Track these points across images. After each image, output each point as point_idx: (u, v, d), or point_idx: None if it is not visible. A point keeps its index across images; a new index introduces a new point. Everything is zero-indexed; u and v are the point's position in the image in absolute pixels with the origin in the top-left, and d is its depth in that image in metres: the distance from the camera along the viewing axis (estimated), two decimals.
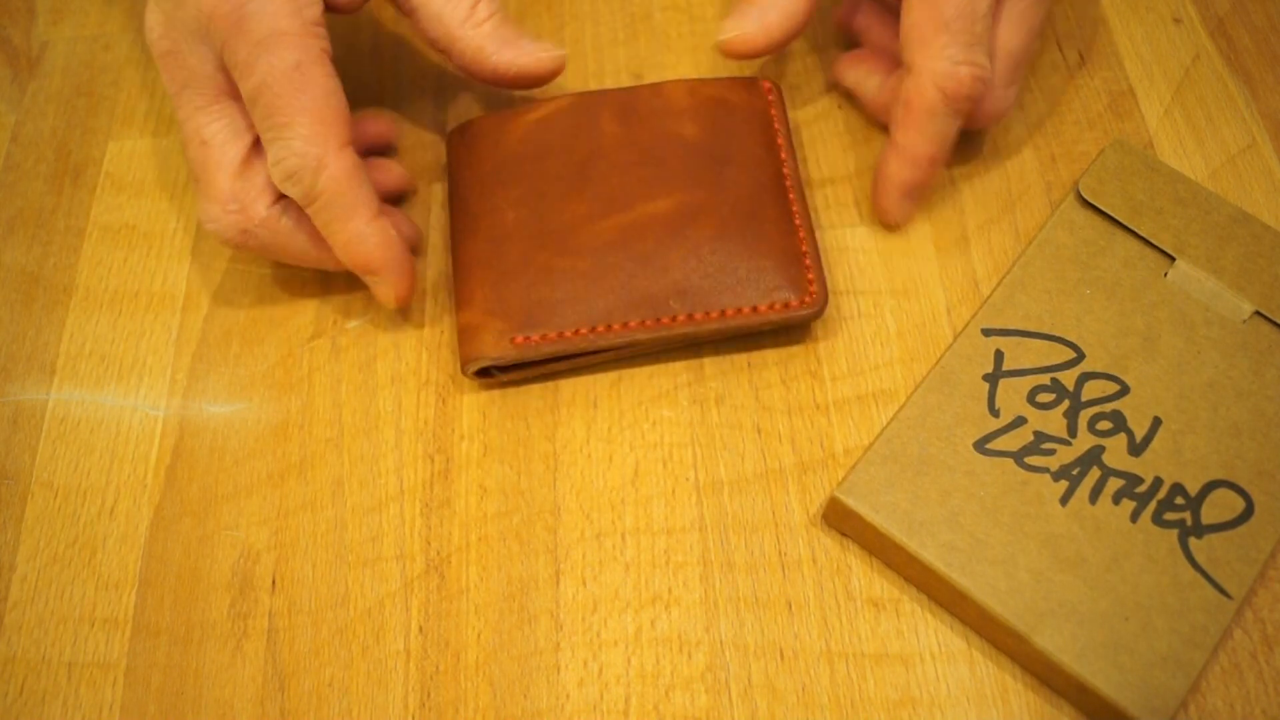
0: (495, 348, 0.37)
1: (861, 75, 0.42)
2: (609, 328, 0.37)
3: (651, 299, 0.37)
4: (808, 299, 0.37)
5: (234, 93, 0.36)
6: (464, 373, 0.38)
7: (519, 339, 0.37)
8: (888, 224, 0.41)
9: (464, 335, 0.38)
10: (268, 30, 0.34)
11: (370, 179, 0.39)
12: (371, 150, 0.43)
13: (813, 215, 0.41)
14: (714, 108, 0.40)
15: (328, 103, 0.35)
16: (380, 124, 0.43)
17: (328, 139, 0.35)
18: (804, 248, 0.38)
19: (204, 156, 0.36)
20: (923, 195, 0.41)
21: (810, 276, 0.38)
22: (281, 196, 0.37)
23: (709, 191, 0.39)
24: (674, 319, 0.37)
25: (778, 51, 0.41)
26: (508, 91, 0.45)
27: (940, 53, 0.36)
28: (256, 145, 0.37)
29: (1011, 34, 0.38)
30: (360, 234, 0.36)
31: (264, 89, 0.34)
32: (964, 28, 0.36)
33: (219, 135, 0.36)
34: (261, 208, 0.36)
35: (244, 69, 0.34)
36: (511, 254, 0.38)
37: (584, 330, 0.37)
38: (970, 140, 0.43)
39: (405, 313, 0.40)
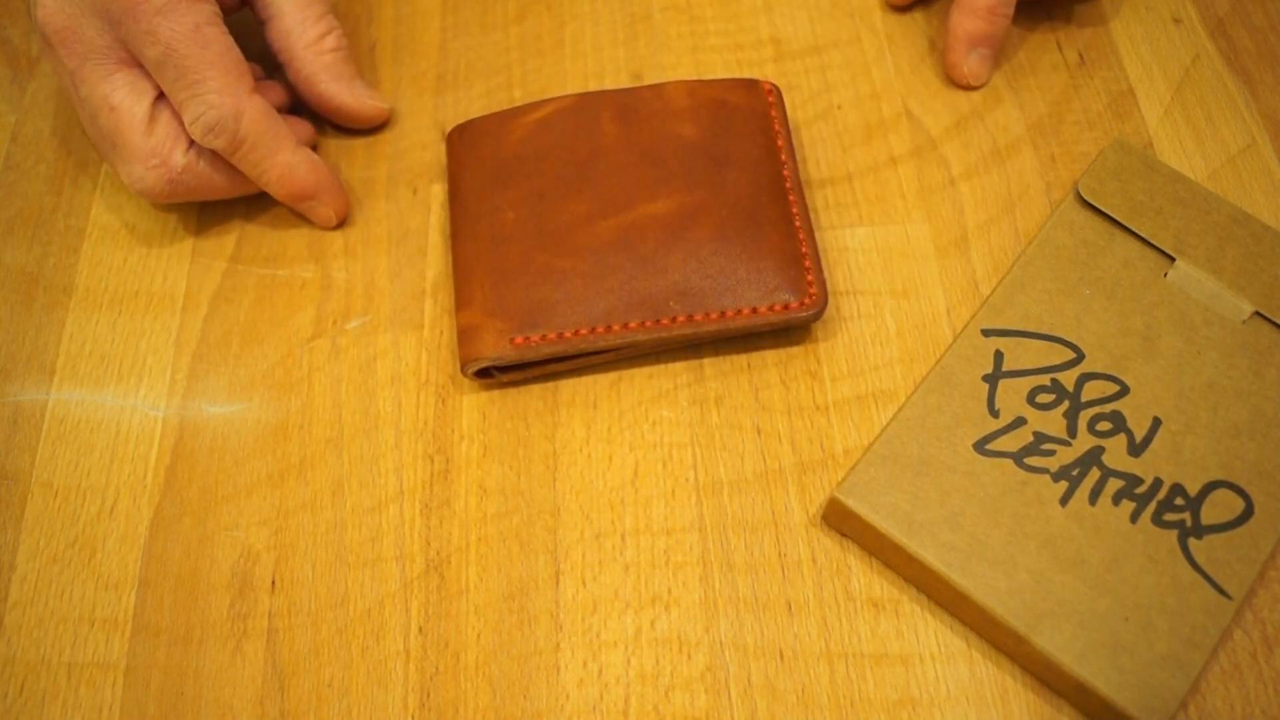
0: (495, 348, 0.37)
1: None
2: (609, 328, 0.37)
3: (651, 300, 0.37)
4: (807, 301, 0.37)
5: (131, 61, 0.38)
6: (464, 373, 0.38)
7: (519, 339, 0.37)
8: (962, 82, 0.43)
9: (464, 336, 0.38)
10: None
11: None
12: None
13: (812, 216, 0.41)
14: (714, 109, 0.40)
15: (230, 56, 0.38)
16: (300, 127, 0.43)
17: (238, 88, 0.38)
18: (804, 249, 0.38)
19: (114, 121, 0.38)
20: (994, 52, 0.43)
21: (810, 278, 0.38)
22: (194, 142, 0.39)
23: (709, 192, 0.39)
24: (674, 320, 0.37)
25: None
26: (507, 92, 0.45)
27: None
28: (158, 101, 0.39)
29: None
30: (289, 164, 0.39)
31: (170, 53, 0.37)
32: None
33: (126, 99, 0.38)
34: (179, 156, 0.39)
35: (147, 37, 0.37)
36: (511, 254, 0.38)
37: (584, 331, 0.37)
38: (970, 140, 0.43)
39: (405, 313, 0.40)
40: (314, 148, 0.43)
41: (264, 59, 0.43)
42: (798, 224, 0.39)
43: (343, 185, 0.41)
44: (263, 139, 0.38)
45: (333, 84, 0.42)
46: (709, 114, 0.40)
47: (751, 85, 0.41)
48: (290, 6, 0.41)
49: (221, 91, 0.37)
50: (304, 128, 0.43)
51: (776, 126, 0.40)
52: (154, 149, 0.38)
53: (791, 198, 0.39)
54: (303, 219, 0.42)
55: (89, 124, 0.39)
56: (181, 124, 0.39)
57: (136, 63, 0.38)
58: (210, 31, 0.37)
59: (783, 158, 0.40)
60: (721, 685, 0.34)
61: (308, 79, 0.42)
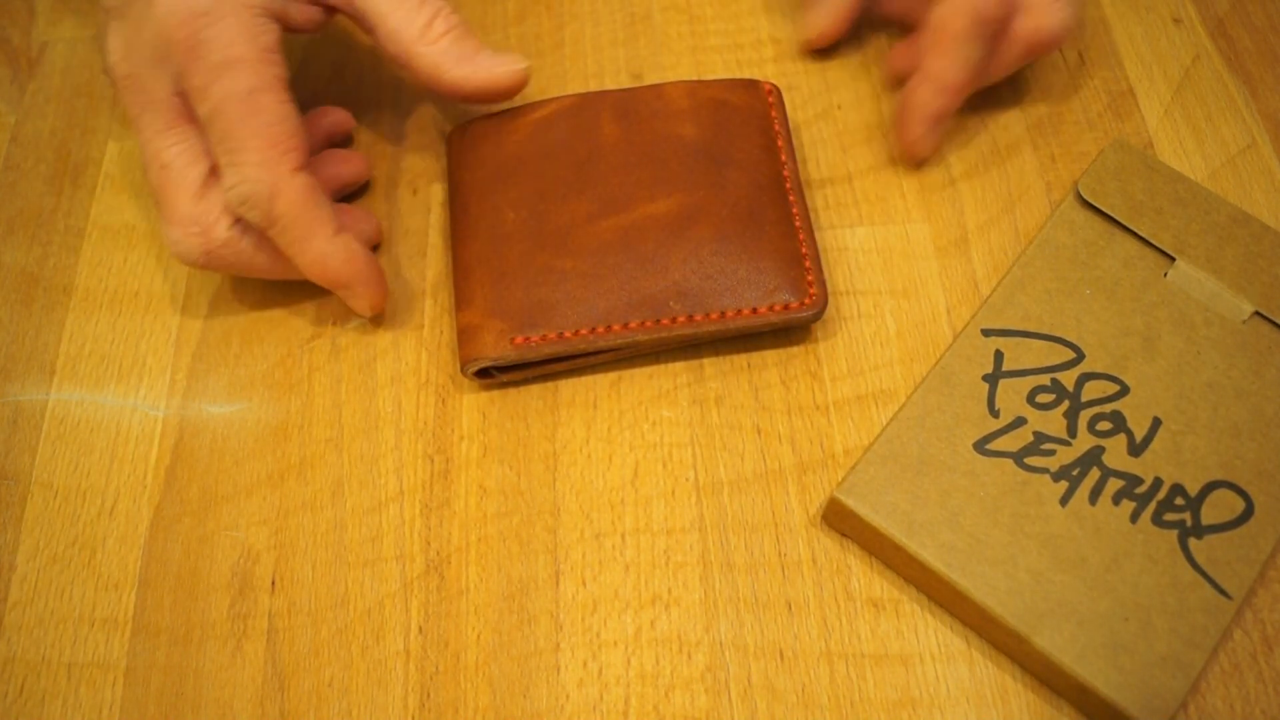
0: (495, 348, 0.37)
1: (908, 65, 0.42)
2: (609, 328, 0.37)
3: (651, 300, 0.37)
4: (808, 301, 0.37)
5: (192, 117, 0.36)
6: (464, 373, 0.38)
7: (519, 339, 0.37)
8: (915, 156, 0.42)
9: (464, 336, 0.38)
10: (223, 56, 0.34)
11: (331, 174, 0.40)
12: (330, 142, 0.43)
13: (812, 215, 0.41)
14: (714, 109, 0.40)
15: (281, 128, 0.35)
16: (336, 114, 0.43)
17: (279, 164, 0.35)
18: (804, 249, 0.38)
19: (164, 180, 0.36)
20: (945, 126, 0.42)
21: (810, 278, 0.38)
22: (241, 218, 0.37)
23: (709, 193, 0.39)
24: (674, 320, 0.37)
25: (848, 29, 0.44)
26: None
27: None
28: (216, 168, 0.36)
29: None
30: (323, 253, 0.36)
31: (218, 114, 0.34)
32: None
33: (178, 159, 0.36)
34: (222, 229, 0.36)
35: (200, 93, 0.35)
36: (511, 255, 0.38)
37: (584, 331, 0.37)
38: (970, 140, 0.43)
39: (405, 313, 0.40)
40: (377, 245, 0.42)
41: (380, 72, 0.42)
42: (798, 224, 0.39)
43: (381, 276, 0.38)
44: (296, 223, 0.35)
45: (457, 68, 0.38)
46: (709, 114, 0.40)
47: (752, 85, 0.41)
48: (388, 6, 0.38)
49: (261, 165, 0.35)
50: (368, 222, 0.41)
51: (776, 127, 0.40)
52: (198, 216, 0.36)
53: (791, 198, 0.39)
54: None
55: (146, 175, 0.37)
56: None
57: (194, 121, 0.36)
58: (265, 99, 0.35)
59: (783, 158, 0.40)
60: (721, 685, 0.34)
61: (431, 73, 0.39)
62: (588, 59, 0.46)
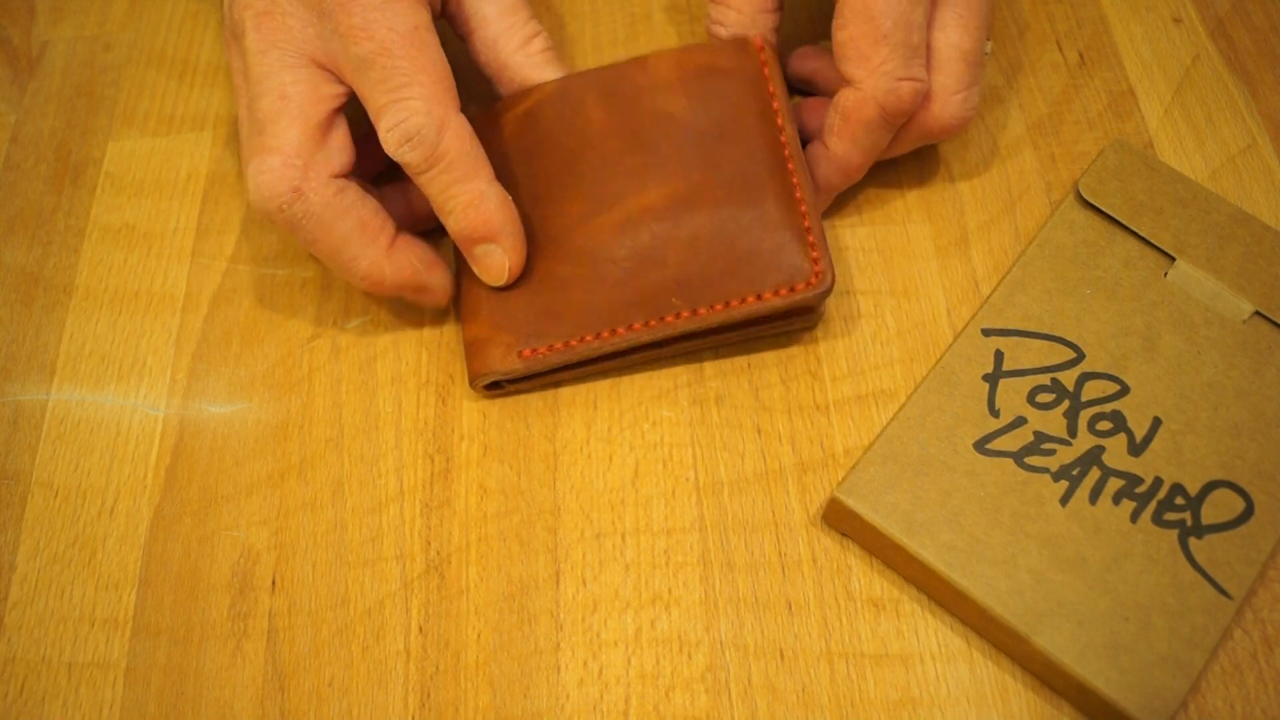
0: (503, 362, 0.37)
1: (818, 125, 0.40)
2: (613, 332, 0.36)
3: (652, 297, 0.36)
4: (814, 279, 0.36)
5: (322, 64, 0.36)
6: (473, 387, 0.37)
7: (526, 352, 0.37)
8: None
9: (471, 350, 0.37)
10: None
11: (411, 200, 0.40)
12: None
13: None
14: (703, 77, 0.39)
15: (443, 66, 0.35)
16: None
17: (447, 100, 0.35)
18: (807, 223, 0.36)
19: (280, 110, 0.35)
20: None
21: (815, 254, 0.36)
22: (345, 175, 0.36)
23: (703, 173, 0.37)
24: (677, 315, 0.36)
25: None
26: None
27: (879, 68, 0.36)
28: (336, 115, 0.36)
29: (960, 35, 0.37)
30: (483, 193, 0.36)
31: (382, 52, 0.34)
32: (902, 40, 0.36)
33: (304, 94, 0.35)
34: (325, 173, 0.35)
35: (360, 32, 0.34)
36: None
37: (589, 337, 0.37)
38: (970, 140, 0.43)
39: (406, 313, 0.40)
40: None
41: (466, 80, 0.42)
42: (799, 195, 0.37)
43: (524, 242, 0.37)
44: (463, 158, 0.35)
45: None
46: (698, 84, 0.39)
47: (741, 46, 0.39)
48: (495, 12, 0.39)
49: (430, 99, 0.34)
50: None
51: (771, 88, 0.38)
52: (305, 151, 0.35)
53: (791, 165, 0.37)
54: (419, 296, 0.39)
55: (247, 110, 0.36)
56: (347, 151, 0.36)
57: (327, 68, 0.36)
58: (428, 36, 0.35)
59: (779, 122, 0.38)
60: (722, 685, 0.34)
61: (524, 84, 0.40)
62: (588, 59, 0.46)
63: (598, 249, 0.37)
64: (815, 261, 0.36)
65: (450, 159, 0.35)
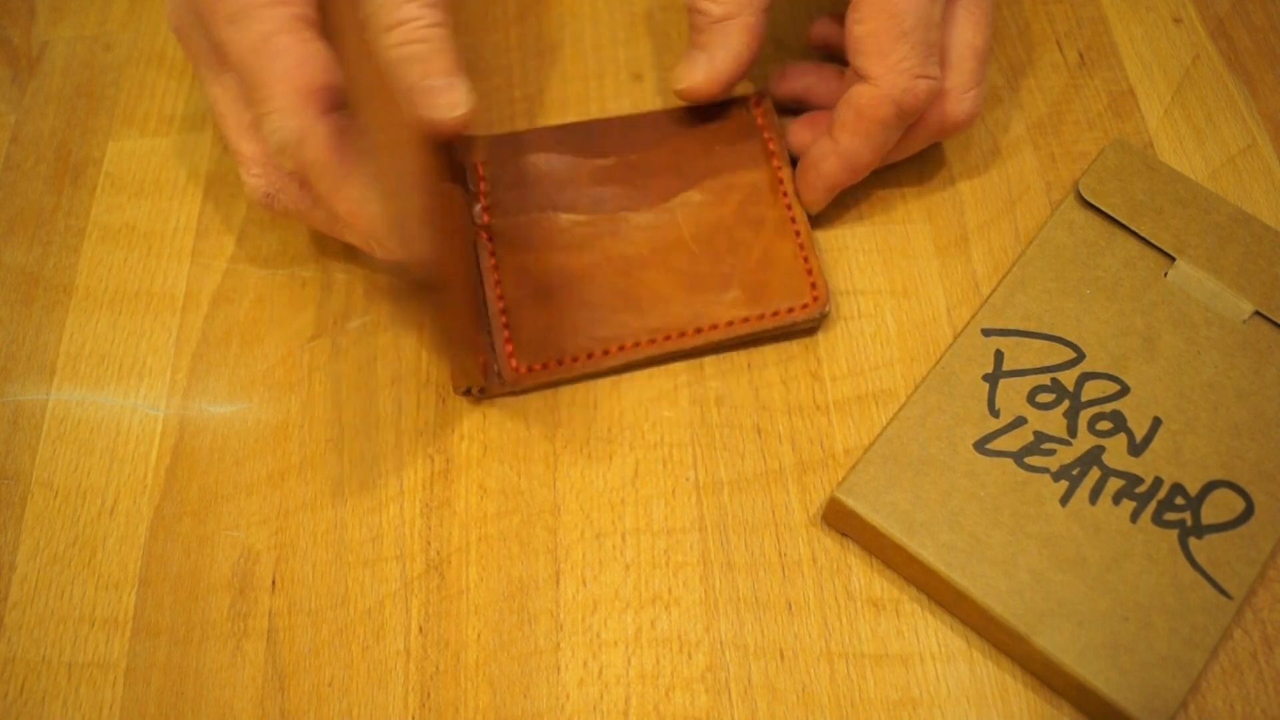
0: (507, 372, 0.38)
1: (811, 140, 0.40)
2: (605, 352, 0.37)
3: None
4: (810, 304, 0.37)
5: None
6: (455, 392, 0.38)
7: (521, 366, 0.37)
8: (811, 211, 0.40)
9: (457, 353, 0.37)
10: (237, 5, 0.33)
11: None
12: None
13: (810, 215, 0.41)
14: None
15: (302, 70, 0.33)
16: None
17: (304, 108, 0.33)
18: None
19: (223, 126, 0.37)
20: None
21: (813, 280, 0.38)
22: None
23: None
24: (681, 334, 0.37)
25: (730, 89, 0.40)
26: (507, 92, 0.45)
27: (898, 64, 0.36)
28: None
29: (973, 32, 0.37)
30: (353, 202, 0.34)
31: (240, 65, 0.33)
32: (921, 37, 0.36)
33: (229, 105, 0.36)
34: (279, 172, 0.36)
35: (222, 48, 0.34)
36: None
37: (582, 356, 0.37)
38: (970, 140, 0.43)
39: (405, 313, 0.40)
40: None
41: None
42: (796, 228, 0.39)
43: (417, 231, 0.35)
44: (329, 169, 0.33)
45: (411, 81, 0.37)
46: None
47: (740, 105, 0.41)
48: None
49: (285, 112, 0.33)
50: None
51: (767, 135, 0.40)
52: (258, 156, 0.36)
53: (787, 200, 0.39)
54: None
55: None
56: None
57: None
58: (283, 41, 0.33)
59: (775, 163, 0.40)
60: (722, 685, 0.34)
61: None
62: (588, 59, 0.46)
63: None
64: (812, 286, 0.38)
65: (317, 170, 0.33)
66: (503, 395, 0.38)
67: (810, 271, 0.38)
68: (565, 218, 0.39)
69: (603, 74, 0.45)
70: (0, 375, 0.40)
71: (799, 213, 0.39)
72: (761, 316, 0.37)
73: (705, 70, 0.39)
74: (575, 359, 0.37)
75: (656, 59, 0.45)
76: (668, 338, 0.37)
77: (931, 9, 0.36)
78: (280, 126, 0.33)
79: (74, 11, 0.48)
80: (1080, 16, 0.46)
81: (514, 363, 0.37)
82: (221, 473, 0.38)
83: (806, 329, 0.39)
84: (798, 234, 0.39)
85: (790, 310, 0.37)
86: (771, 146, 0.40)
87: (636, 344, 0.38)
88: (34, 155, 0.44)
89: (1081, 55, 0.45)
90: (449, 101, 0.34)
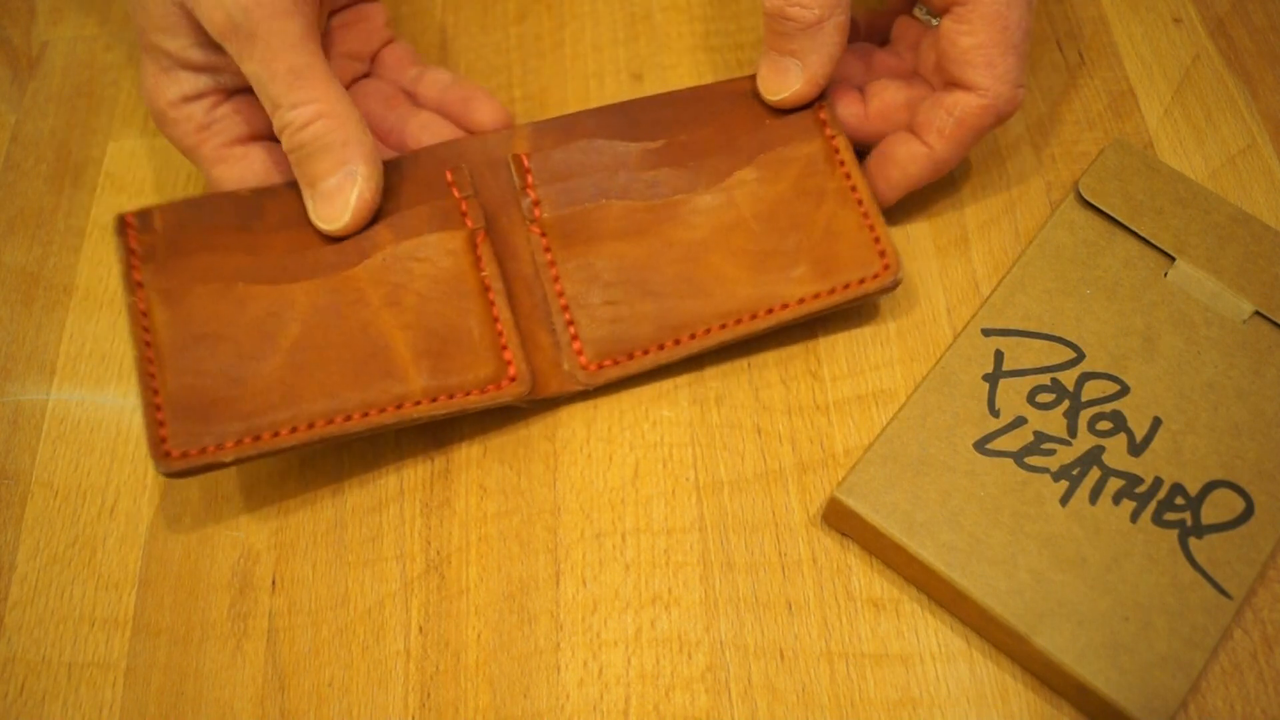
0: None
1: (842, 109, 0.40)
2: (676, 342, 0.37)
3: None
4: (881, 273, 0.37)
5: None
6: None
7: (592, 366, 0.37)
8: (883, 206, 0.40)
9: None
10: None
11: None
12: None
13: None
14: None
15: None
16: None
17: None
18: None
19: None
20: None
21: (881, 249, 0.37)
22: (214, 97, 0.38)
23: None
24: (753, 316, 0.37)
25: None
26: (508, 92, 0.45)
27: (1005, 76, 0.36)
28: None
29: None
30: (294, 67, 0.35)
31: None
32: (1026, 50, 0.37)
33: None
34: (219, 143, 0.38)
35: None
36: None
37: (652, 349, 0.37)
38: None
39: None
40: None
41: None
42: (858, 196, 0.38)
43: (371, 140, 0.36)
44: (272, 38, 0.34)
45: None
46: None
47: (809, 120, 0.39)
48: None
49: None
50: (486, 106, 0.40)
51: (816, 103, 0.39)
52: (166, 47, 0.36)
53: (845, 170, 0.38)
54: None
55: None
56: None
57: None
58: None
59: (829, 131, 0.39)
60: (722, 685, 0.34)
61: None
62: (588, 59, 0.46)
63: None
64: (882, 255, 0.37)
65: (257, 32, 0.34)
66: (574, 398, 0.38)
67: (878, 240, 0.37)
68: (619, 205, 0.38)
69: (603, 74, 0.45)
70: (0, 375, 0.40)
71: (859, 180, 0.38)
72: (833, 291, 0.36)
73: (802, 77, 0.38)
74: (646, 351, 0.37)
75: (656, 59, 0.46)
76: (739, 321, 0.37)
77: (1032, 20, 0.37)
78: None
79: (74, 11, 0.48)
80: (1080, 16, 0.46)
81: (583, 360, 0.36)
82: (222, 472, 0.38)
83: (879, 298, 0.38)
84: (860, 203, 0.37)
85: (862, 281, 0.36)
86: (823, 115, 0.39)
87: (708, 330, 0.37)
88: (34, 155, 0.44)
89: (1081, 55, 0.45)
90: (326, 214, 0.36)
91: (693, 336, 0.37)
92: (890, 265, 0.37)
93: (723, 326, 0.37)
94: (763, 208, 0.38)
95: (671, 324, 0.37)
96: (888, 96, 0.39)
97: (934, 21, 0.40)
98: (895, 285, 0.37)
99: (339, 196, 0.36)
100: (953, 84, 0.37)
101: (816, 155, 0.38)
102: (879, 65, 0.41)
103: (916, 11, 0.41)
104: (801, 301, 0.37)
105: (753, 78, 0.40)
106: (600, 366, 0.37)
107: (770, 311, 0.37)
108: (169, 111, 0.37)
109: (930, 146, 0.38)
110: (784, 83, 0.38)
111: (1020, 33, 0.36)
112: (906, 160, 0.38)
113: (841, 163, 0.38)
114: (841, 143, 0.38)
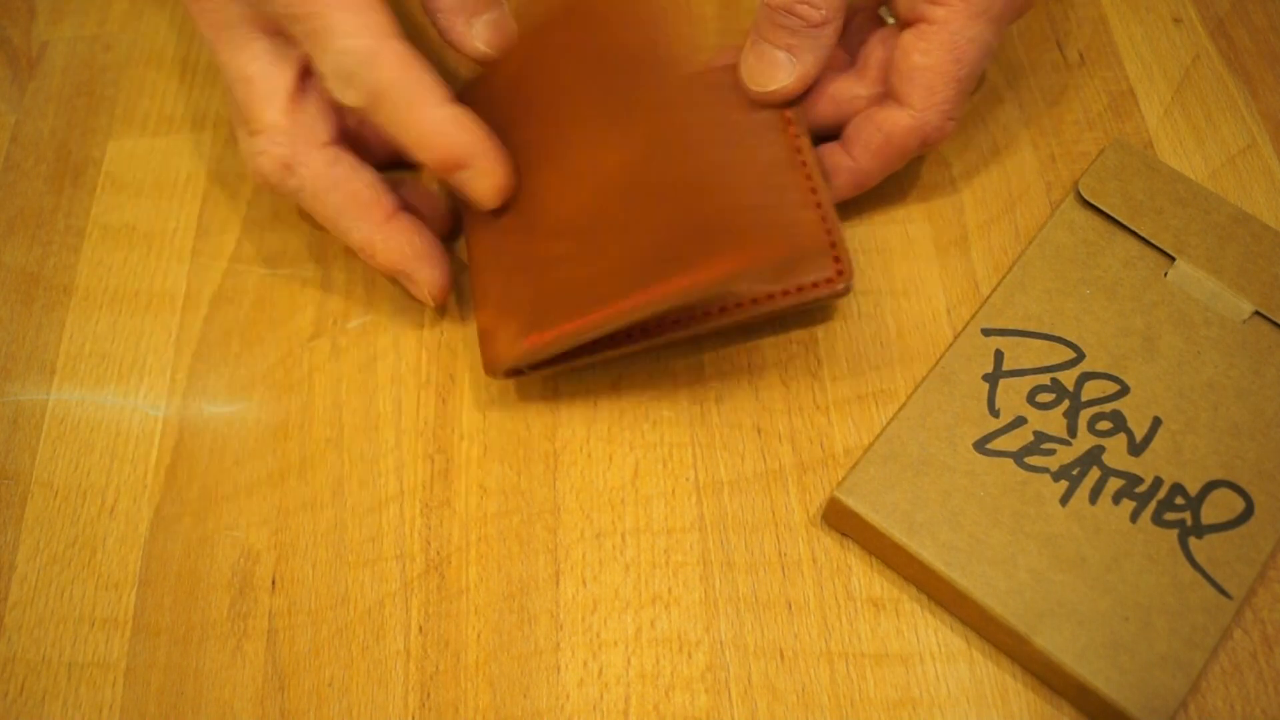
0: (510, 350, 0.36)
1: None
2: (629, 335, 0.36)
3: (650, 265, 0.34)
4: (835, 278, 0.36)
5: (271, 29, 0.35)
6: (490, 375, 0.37)
7: (531, 338, 0.35)
8: None
9: (481, 340, 0.37)
10: None
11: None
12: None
13: None
14: (713, 104, 0.39)
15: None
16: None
17: (371, 29, 0.33)
18: (826, 226, 0.37)
19: (248, 93, 0.36)
20: None
21: (836, 254, 0.36)
22: (335, 142, 0.36)
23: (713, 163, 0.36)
24: (705, 314, 0.36)
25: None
26: None
27: (941, 103, 0.36)
28: (304, 77, 0.36)
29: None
30: (435, 121, 0.34)
31: (292, 3, 0.33)
32: (968, 86, 0.37)
33: (263, 69, 0.36)
34: (312, 144, 0.36)
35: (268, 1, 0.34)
36: (509, 245, 0.37)
37: (592, 317, 0.34)
38: (970, 140, 0.43)
39: (406, 313, 0.40)
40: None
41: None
42: (816, 199, 0.37)
43: (504, 151, 0.35)
44: (402, 88, 0.33)
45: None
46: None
47: (774, 118, 0.39)
48: None
49: (352, 34, 0.32)
50: (435, 202, 0.40)
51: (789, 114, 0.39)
52: (285, 126, 0.35)
53: (805, 171, 0.37)
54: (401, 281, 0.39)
55: (228, 96, 0.36)
56: (328, 115, 0.36)
57: (274, 32, 0.35)
58: None
59: (793, 131, 0.38)
60: (722, 685, 0.34)
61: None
62: None
63: (580, 221, 0.35)
64: (836, 260, 0.36)
65: (390, 93, 0.33)
66: (541, 370, 0.37)
67: (834, 245, 0.37)
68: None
69: None
70: (0, 375, 0.40)
71: (819, 183, 0.37)
72: (786, 292, 0.36)
73: (794, 74, 0.38)
74: (586, 319, 0.35)
75: None
76: (692, 318, 0.36)
77: (986, 64, 0.37)
78: (349, 48, 0.33)
79: (74, 11, 0.48)
80: (1080, 16, 0.46)
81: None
82: (221, 473, 0.38)
83: (830, 303, 0.38)
84: (819, 205, 0.37)
85: (815, 285, 0.36)
86: (789, 114, 0.39)
87: (659, 325, 0.36)
88: (34, 155, 0.44)
89: (1081, 55, 0.45)
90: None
91: (645, 331, 0.36)
92: (844, 271, 0.37)
93: (676, 322, 0.36)
94: None
95: None
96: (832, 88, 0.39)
97: (890, 20, 0.40)
98: (847, 290, 0.37)
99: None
100: (889, 95, 0.37)
101: (779, 155, 0.38)
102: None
103: (881, 10, 0.41)
104: (755, 301, 0.36)
105: (726, 69, 0.39)
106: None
107: (724, 310, 0.36)
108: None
109: (854, 159, 0.38)
110: (773, 75, 0.38)
111: (969, 69, 0.36)
112: (830, 173, 0.39)
113: (804, 163, 0.38)
114: (804, 143, 0.38)
